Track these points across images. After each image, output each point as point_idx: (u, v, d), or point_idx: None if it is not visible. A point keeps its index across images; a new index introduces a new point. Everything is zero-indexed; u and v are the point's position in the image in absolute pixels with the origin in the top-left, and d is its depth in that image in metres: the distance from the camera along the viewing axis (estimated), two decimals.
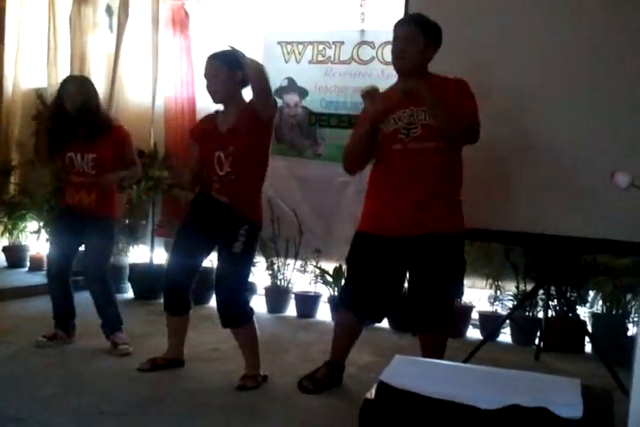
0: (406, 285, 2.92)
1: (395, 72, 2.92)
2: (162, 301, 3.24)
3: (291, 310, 4.64)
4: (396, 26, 2.85)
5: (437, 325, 2.85)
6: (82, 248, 3.55)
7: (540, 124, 3.19)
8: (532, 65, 3.21)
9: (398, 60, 2.80)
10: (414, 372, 1.90)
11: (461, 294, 2.98)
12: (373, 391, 1.81)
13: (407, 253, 2.80)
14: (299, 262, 4.66)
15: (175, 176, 2.98)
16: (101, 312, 3.47)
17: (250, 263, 3.05)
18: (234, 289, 2.94)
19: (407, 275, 2.90)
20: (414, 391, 1.72)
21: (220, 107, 3.06)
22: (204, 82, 3.01)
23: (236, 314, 2.95)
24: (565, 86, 3.16)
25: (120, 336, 3.42)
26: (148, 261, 4.91)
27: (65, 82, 3.49)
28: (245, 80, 2.94)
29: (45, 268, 3.63)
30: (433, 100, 2.69)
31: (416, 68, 2.80)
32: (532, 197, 3.20)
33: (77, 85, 3.45)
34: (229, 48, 2.90)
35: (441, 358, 2.83)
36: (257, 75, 2.84)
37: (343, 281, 3.08)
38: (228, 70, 2.93)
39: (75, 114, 3.39)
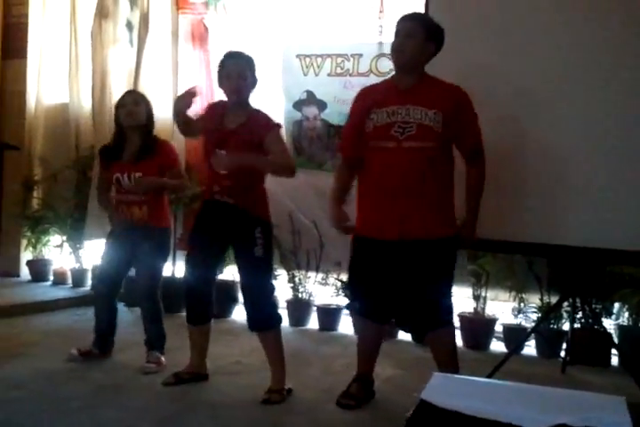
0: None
1: None
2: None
3: (313, 323, 4.63)
4: (398, 22, 2.88)
5: (438, 322, 2.84)
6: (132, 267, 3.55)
7: (562, 133, 3.16)
8: (540, 69, 3.19)
9: (397, 54, 2.82)
10: (455, 390, 1.87)
11: (449, 297, 2.94)
12: (413, 410, 1.76)
13: (399, 257, 2.81)
14: (320, 275, 4.65)
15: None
16: (146, 329, 3.46)
17: (272, 264, 3.07)
18: (263, 292, 2.96)
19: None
20: (457, 410, 1.68)
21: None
22: (225, 80, 2.98)
23: (266, 317, 2.96)
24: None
25: (154, 355, 3.39)
26: (170, 274, 4.92)
27: (123, 97, 3.55)
28: (255, 83, 3.01)
29: (93, 284, 3.62)
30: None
31: (415, 64, 2.82)
32: (554, 207, 3.17)
33: (137, 100, 3.50)
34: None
35: (454, 360, 2.84)
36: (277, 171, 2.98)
37: (348, 287, 3.11)
38: (252, 73, 2.99)
39: (128, 131, 3.44)
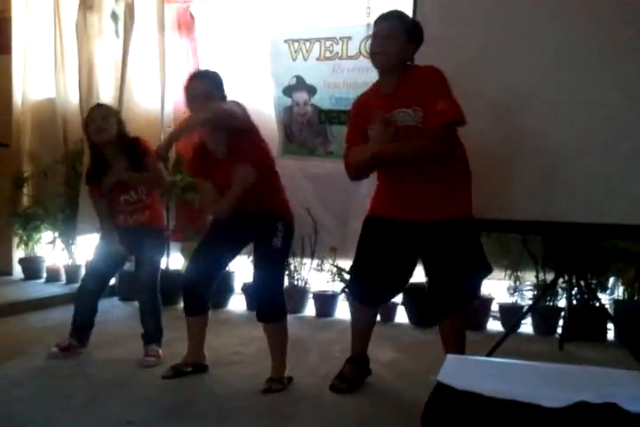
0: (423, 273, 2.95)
1: None
2: (180, 306, 3.24)
3: (309, 309, 4.64)
4: (376, 22, 2.85)
5: (454, 307, 2.83)
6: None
7: (549, 113, 3.16)
8: (531, 62, 3.20)
9: (379, 56, 2.77)
10: (470, 371, 1.86)
11: (487, 268, 2.92)
12: (431, 392, 1.76)
13: (418, 238, 2.82)
14: (315, 261, 4.65)
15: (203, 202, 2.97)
16: (144, 322, 3.46)
17: (285, 260, 3.08)
18: (273, 283, 2.96)
19: (417, 260, 2.94)
20: (475, 392, 1.67)
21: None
22: (194, 102, 2.89)
23: (274, 308, 2.96)
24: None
25: (152, 348, 3.39)
26: (164, 266, 4.92)
27: (91, 112, 3.47)
28: (224, 100, 2.94)
29: (82, 278, 3.60)
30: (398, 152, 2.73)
31: (397, 65, 2.78)
32: (546, 184, 3.17)
33: (105, 115, 3.42)
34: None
35: (462, 344, 2.85)
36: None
37: (351, 270, 3.08)
38: (219, 91, 2.93)
39: (103, 146, 3.40)
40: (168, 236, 3.78)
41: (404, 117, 2.74)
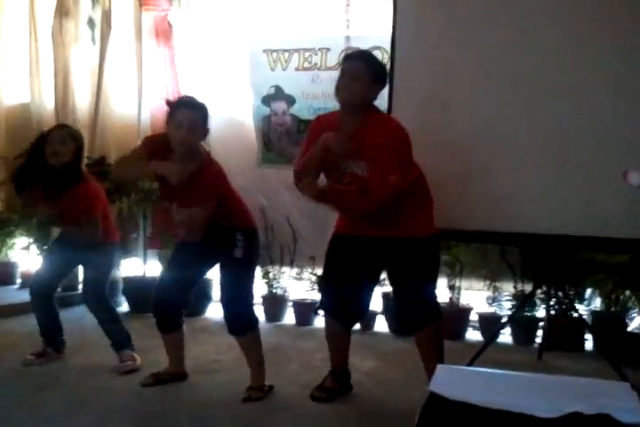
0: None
1: None
2: None
3: (289, 318, 4.61)
4: (344, 60, 2.92)
5: (423, 322, 2.87)
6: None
7: (531, 123, 3.16)
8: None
9: (343, 94, 2.79)
10: (462, 381, 1.86)
11: (434, 294, 2.97)
12: (424, 403, 1.74)
13: (382, 253, 2.86)
14: (294, 270, 4.63)
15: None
16: (106, 331, 3.41)
17: (253, 269, 3.00)
18: (239, 295, 2.92)
19: (381, 276, 3.03)
20: (468, 402, 1.67)
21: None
22: (176, 129, 2.79)
23: (243, 321, 2.93)
24: (561, 83, 3.13)
25: (126, 353, 3.34)
26: (141, 273, 4.86)
27: (51, 132, 3.36)
28: (206, 134, 2.90)
29: (30, 285, 3.55)
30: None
31: (360, 104, 2.79)
32: (524, 196, 3.18)
33: (64, 139, 3.31)
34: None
35: (440, 356, 2.86)
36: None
37: (321, 286, 3.12)
38: (203, 123, 2.86)
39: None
40: (116, 247, 3.58)
41: (351, 165, 2.77)
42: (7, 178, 5.53)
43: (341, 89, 2.80)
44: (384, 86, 2.90)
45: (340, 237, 2.96)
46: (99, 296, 3.38)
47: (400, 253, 2.83)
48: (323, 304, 3.06)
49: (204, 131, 2.87)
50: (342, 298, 2.93)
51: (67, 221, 3.35)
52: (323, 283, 3.08)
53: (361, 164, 2.75)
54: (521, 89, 3.14)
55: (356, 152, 2.74)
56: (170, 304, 3.03)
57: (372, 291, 3.06)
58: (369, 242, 2.85)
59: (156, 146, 2.88)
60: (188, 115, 2.79)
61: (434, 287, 2.94)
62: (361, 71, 2.77)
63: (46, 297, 3.47)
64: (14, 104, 5.77)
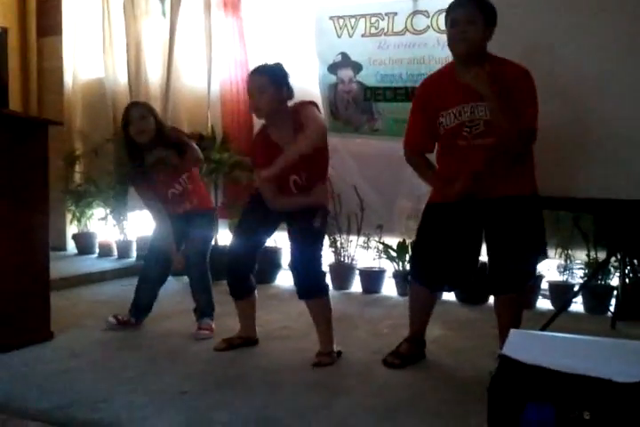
0: (484, 248, 2.89)
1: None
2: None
3: (356, 286, 4.66)
4: (452, 8, 2.73)
5: (513, 286, 2.81)
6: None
7: (604, 93, 3.07)
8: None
9: (461, 43, 2.67)
10: (536, 346, 1.83)
11: (544, 253, 2.90)
12: (496, 367, 1.74)
13: (481, 216, 2.78)
14: (362, 239, 4.66)
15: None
16: (195, 298, 3.54)
17: (322, 242, 3.04)
18: (313, 260, 2.96)
19: (482, 240, 2.88)
20: (541, 365, 1.66)
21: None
22: (247, 97, 2.93)
23: (314, 286, 2.97)
24: None
25: (205, 322, 3.46)
26: (213, 243, 4.98)
27: (128, 112, 3.44)
28: (290, 94, 2.91)
29: (143, 269, 3.66)
30: (489, 94, 2.60)
31: (478, 52, 2.69)
32: (598, 162, 3.10)
33: (142, 114, 3.41)
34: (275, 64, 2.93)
35: (518, 322, 2.82)
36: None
37: (411, 255, 3.06)
38: (276, 87, 2.86)
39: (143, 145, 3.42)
40: (216, 215, 3.82)
41: (480, 111, 2.68)
42: (87, 150, 5.77)
43: (457, 39, 2.68)
44: (495, 27, 2.72)
45: (436, 206, 2.87)
46: (201, 265, 3.50)
47: (503, 210, 2.73)
48: (416, 275, 3.00)
49: (279, 92, 2.86)
50: (438, 267, 2.85)
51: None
52: (415, 250, 3.02)
53: (483, 106, 2.66)
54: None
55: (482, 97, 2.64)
56: (241, 268, 3.10)
57: (474, 257, 2.91)
58: (469, 205, 2.75)
59: (255, 144, 3.04)
60: (253, 81, 2.87)
61: (534, 253, 2.83)
62: (475, 15, 2.64)
63: (159, 282, 3.59)
64: (89, 79, 5.95)
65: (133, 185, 3.65)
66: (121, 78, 5.66)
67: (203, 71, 5.26)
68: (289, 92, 2.92)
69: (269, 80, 2.85)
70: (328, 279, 4.41)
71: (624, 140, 3.05)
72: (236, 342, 3.18)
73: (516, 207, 2.74)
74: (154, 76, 5.48)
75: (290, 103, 2.95)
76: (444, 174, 2.85)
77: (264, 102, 2.86)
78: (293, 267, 3.02)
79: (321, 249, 3.03)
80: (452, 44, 2.72)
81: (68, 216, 5.86)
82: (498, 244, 2.80)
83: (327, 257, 4.66)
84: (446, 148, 2.84)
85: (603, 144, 3.10)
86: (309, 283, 2.97)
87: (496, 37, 2.75)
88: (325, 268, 4.63)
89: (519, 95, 2.64)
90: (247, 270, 3.12)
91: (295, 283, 3.00)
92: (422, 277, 2.94)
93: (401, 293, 4.42)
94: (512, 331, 1.96)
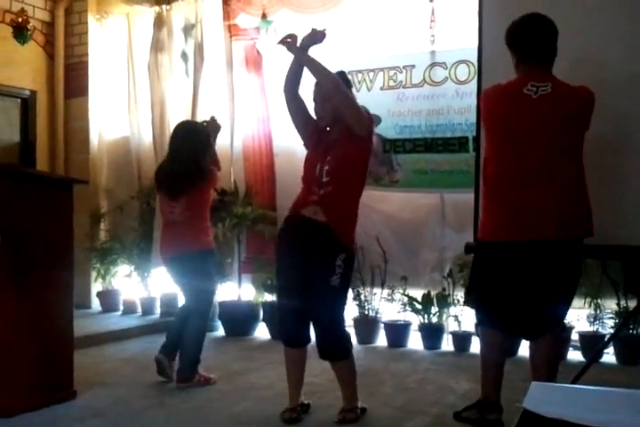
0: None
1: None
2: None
3: (381, 339, 4.58)
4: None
5: (556, 324, 2.74)
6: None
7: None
8: None
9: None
10: (556, 398, 1.76)
11: (567, 303, 2.80)
12: (517, 420, 1.68)
13: (541, 257, 2.65)
14: (385, 291, 4.60)
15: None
16: (182, 352, 3.51)
17: (346, 295, 2.93)
18: (334, 323, 2.85)
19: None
20: (564, 419, 1.59)
21: None
22: (313, 104, 3.00)
23: (337, 348, 2.88)
24: None
25: (199, 377, 3.48)
26: (236, 298, 4.96)
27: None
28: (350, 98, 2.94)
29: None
30: None
31: None
32: (626, 206, 3.04)
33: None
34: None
35: (555, 369, 2.73)
36: (330, 90, 2.86)
37: (475, 298, 2.91)
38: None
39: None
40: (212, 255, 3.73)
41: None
42: (112, 208, 5.84)
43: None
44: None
45: (489, 245, 2.76)
46: (204, 308, 3.55)
47: (561, 253, 2.63)
48: (480, 319, 2.91)
49: (342, 97, 2.89)
50: (501, 309, 2.73)
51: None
52: (474, 297, 2.91)
53: None
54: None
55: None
56: (298, 311, 2.89)
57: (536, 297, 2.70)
58: (527, 247, 2.64)
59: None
60: (318, 89, 2.96)
61: (571, 296, 2.76)
62: None
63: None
64: (115, 138, 6.08)
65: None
66: (145, 136, 5.78)
67: (226, 127, 5.34)
68: (343, 98, 2.89)
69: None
70: (352, 333, 4.37)
71: None
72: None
73: (573, 250, 2.67)
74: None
75: None
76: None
77: (327, 111, 2.92)
78: (316, 328, 2.88)
79: (342, 308, 2.89)
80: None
81: (93, 274, 5.86)
82: (541, 286, 2.67)
83: (351, 310, 4.61)
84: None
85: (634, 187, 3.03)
86: (332, 346, 2.87)
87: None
88: (348, 320, 4.60)
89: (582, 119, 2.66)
90: (304, 315, 2.88)
91: (317, 344, 2.88)
92: (493, 319, 2.79)
93: (427, 346, 4.33)
94: (533, 383, 1.89)
